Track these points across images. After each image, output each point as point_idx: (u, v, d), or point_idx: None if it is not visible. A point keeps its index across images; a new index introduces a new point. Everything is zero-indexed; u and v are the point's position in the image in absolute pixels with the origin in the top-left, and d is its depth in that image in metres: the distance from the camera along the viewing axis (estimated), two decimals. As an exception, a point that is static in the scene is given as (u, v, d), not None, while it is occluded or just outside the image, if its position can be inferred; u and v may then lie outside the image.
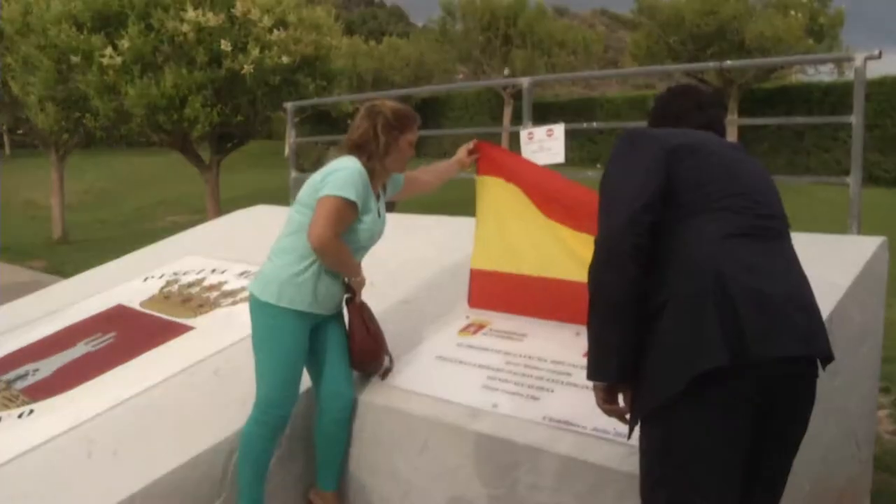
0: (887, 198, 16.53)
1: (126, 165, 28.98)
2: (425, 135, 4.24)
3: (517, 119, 25.92)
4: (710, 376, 1.85)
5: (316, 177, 3.07)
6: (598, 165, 22.38)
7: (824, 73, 22.55)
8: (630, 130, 2.24)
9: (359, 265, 3.20)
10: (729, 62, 5.07)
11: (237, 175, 21.81)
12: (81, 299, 5.01)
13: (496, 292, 3.71)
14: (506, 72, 26.23)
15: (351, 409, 3.29)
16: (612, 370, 2.02)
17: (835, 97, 20.32)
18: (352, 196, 2.96)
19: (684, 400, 1.88)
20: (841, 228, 3.92)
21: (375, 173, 3.11)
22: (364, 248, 3.21)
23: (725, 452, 1.91)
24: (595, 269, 2.03)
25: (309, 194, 3.05)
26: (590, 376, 2.07)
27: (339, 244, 3.01)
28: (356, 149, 3.11)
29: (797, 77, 24.97)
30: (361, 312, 3.26)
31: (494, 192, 3.71)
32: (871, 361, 3.54)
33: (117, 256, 6.05)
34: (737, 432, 1.91)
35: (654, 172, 2.02)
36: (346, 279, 3.21)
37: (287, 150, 7.03)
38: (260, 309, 3.09)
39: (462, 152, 3.72)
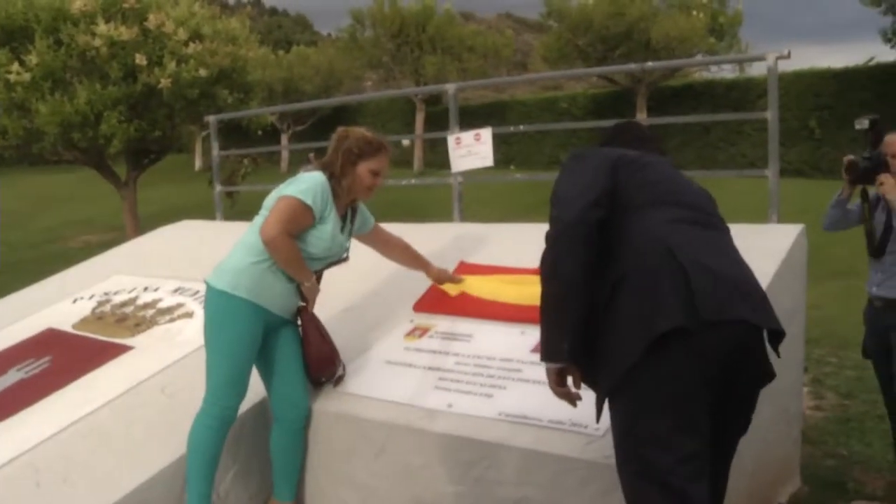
0: (791, 187, 17.28)
1: (30, 185, 27.86)
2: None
3: (431, 125, 26.10)
4: (666, 344, 1.97)
5: (282, 185, 3.20)
6: (512, 167, 22.71)
7: (727, 71, 23.51)
8: (576, 150, 2.42)
9: (310, 272, 3.23)
10: (650, 63, 5.29)
11: (149, 191, 21.22)
12: (5, 325, 4.84)
13: (445, 301, 3.81)
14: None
15: (306, 419, 3.31)
16: (563, 351, 2.15)
17: (738, 93, 21.13)
18: (308, 200, 3.07)
19: (644, 368, 2.00)
20: (756, 217, 4.11)
21: (336, 193, 3.22)
22: (317, 260, 3.25)
23: (690, 413, 2.02)
24: (548, 255, 2.16)
25: (273, 199, 3.16)
26: (543, 358, 2.20)
27: (289, 242, 3.08)
28: (323, 167, 3.25)
29: (700, 74, 25.93)
30: (315, 320, 3.29)
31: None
32: (797, 343, 3.74)
33: (32, 280, 5.84)
34: (698, 393, 2.03)
35: (600, 176, 2.20)
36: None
37: (198, 164, 6.97)
38: (214, 298, 3.12)
39: (443, 276, 3.82)
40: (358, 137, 3.26)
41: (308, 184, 3.12)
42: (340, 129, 3.33)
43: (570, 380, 2.24)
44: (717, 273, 2.06)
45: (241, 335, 3.08)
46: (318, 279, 3.35)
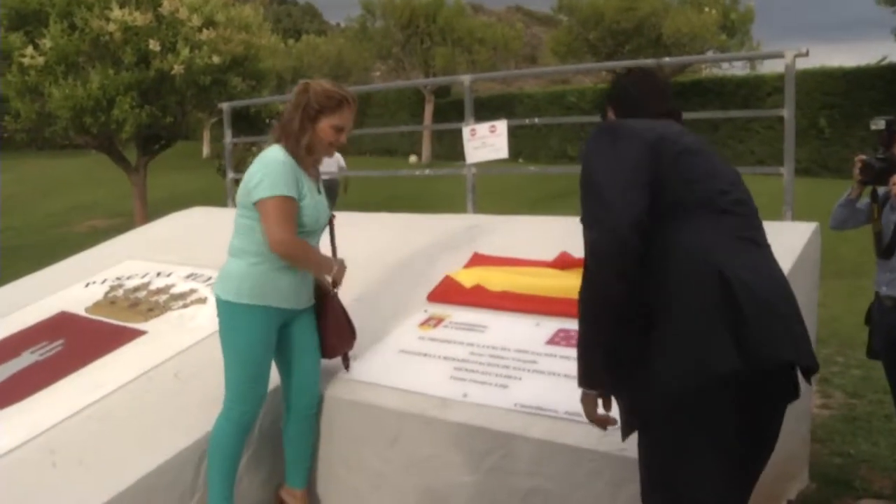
0: (799, 186, 17.24)
1: (36, 169, 27.89)
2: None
3: (438, 117, 26.07)
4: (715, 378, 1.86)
5: (245, 177, 3.05)
6: (521, 160, 22.68)
7: (737, 68, 23.51)
8: (607, 124, 2.20)
9: (330, 260, 3.21)
10: (667, 59, 5.27)
11: (156, 178, 21.28)
12: (17, 309, 4.86)
13: (460, 291, 3.84)
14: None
15: (318, 406, 3.32)
16: (605, 379, 2.02)
17: (747, 90, 21.10)
18: (284, 192, 2.94)
19: (685, 406, 1.89)
20: (765, 215, 4.10)
21: (298, 158, 3.05)
22: (313, 233, 3.16)
23: (728, 450, 1.94)
24: (596, 273, 1.95)
25: (243, 195, 3.05)
26: (582, 384, 2.07)
27: (300, 242, 3.04)
28: (281, 131, 3.08)
29: (710, 71, 25.89)
30: (334, 302, 3.30)
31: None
32: (808, 340, 3.75)
33: (38, 265, 5.86)
34: (735, 429, 1.94)
35: (642, 170, 1.97)
36: (326, 278, 3.23)
37: (206, 152, 7.00)
38: (222, 308, 3.09)
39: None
40: (318, 92, 3.02)
41: (272, 175, 2.94)
42: (301, 83, 3.09)
43: (600, 403, 2.13)
44: (771, 305, 1.92)
45: (251, 342, 3.05)
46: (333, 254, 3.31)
